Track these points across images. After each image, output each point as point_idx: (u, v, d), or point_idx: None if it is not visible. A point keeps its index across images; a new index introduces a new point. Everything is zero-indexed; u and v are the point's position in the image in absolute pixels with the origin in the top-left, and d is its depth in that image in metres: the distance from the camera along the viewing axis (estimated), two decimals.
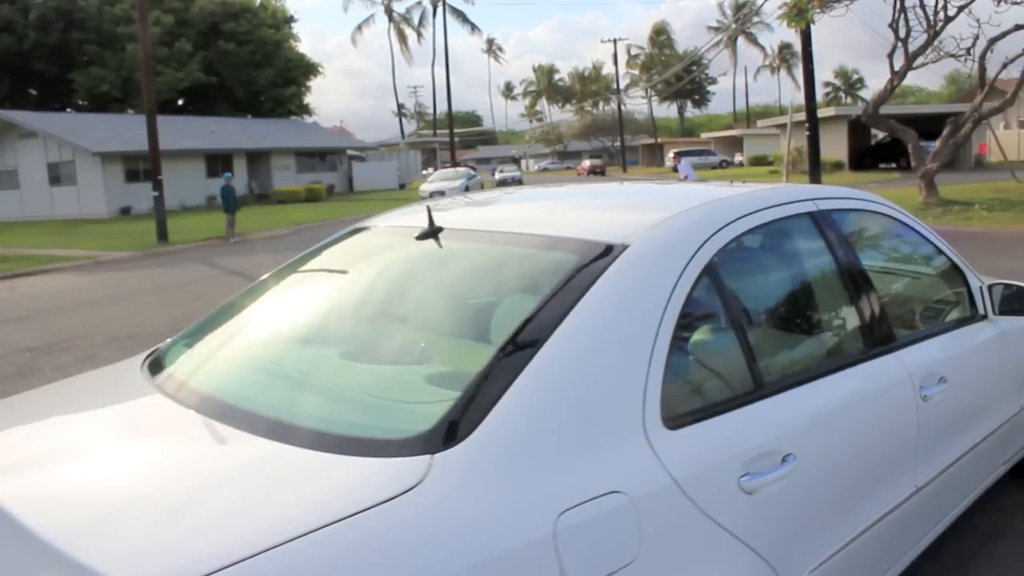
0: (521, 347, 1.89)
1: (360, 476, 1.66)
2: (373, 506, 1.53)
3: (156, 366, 2.63)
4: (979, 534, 3.66)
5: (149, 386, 2.43)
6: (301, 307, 2.87)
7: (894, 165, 39.17)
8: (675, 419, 1.98)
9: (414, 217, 2.94)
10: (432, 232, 2.54)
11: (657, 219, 2.31)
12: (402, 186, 53.77)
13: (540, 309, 2.00)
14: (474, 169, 48.93)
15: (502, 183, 56.37)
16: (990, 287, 3.49)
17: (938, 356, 3.05)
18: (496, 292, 2.47)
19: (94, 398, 2.56)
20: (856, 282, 2.83)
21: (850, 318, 2.78)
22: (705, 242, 2.26)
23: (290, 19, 64.09)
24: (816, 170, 24.48)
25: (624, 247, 2.15)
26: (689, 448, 1.97)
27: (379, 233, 3.09)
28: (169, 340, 2.96)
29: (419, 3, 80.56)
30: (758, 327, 2.61)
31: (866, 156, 41.40)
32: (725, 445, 2.07)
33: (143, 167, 34.35)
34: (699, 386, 2.24)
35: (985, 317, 3.43)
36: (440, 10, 72.48)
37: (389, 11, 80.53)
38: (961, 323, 3.37)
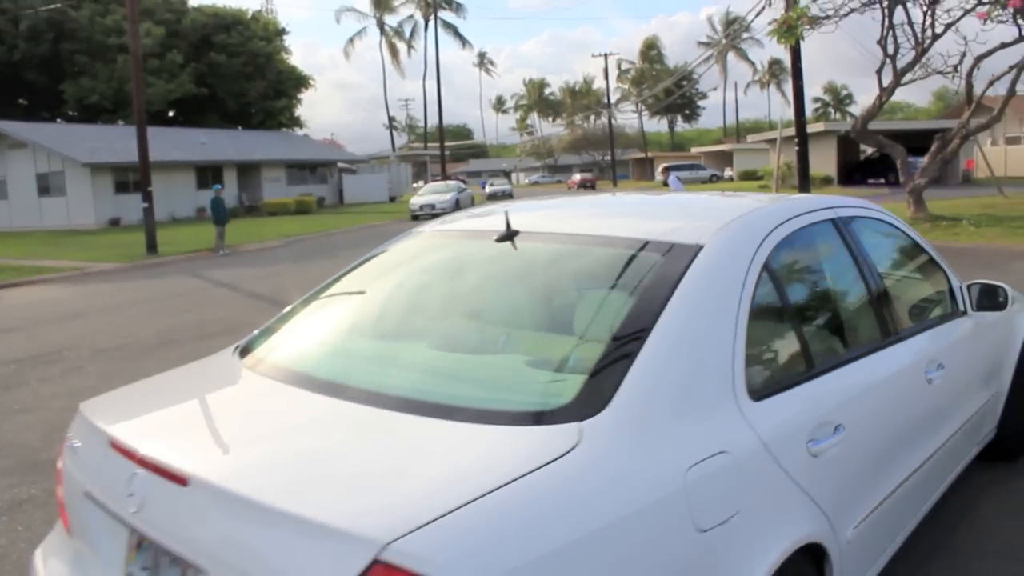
0: (633, 333, 2.20)
1: (523, 443, 1.94)
2: (545, 464, 1.81)
3: (246, 353, 2.98)
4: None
5: (254, 375, 2.71)
6: (398, 301, 3.12)
7: (883, 180, 39.36)
8: (755, 392, 2.31)
9: (479, 221, 3.45)
10: (510, 235, 2.79)
11: (720, 224, 2.64)
12: (392, 199, 53.77)
13: (641, 300, 2.32)
14: (464, 182, 48.91)
15: (492, 196, 56.40)
16: (968, 286, 4.03)
17: (936, 346, 3.52)
18: (583, 288, 2.75)
19: (222, 386, 2.80)
20: (873, 279, 3.27)
21: (871, 310, 3.20)
22: (761, 243, 2.62)
23: (281, 31, 64.20)
24: (805, 185, 24.59)
25: (699, 247, 2.47)
26: (769, 417, 2.31)
27: (450, 236, 3.42)
28: (256, 335, 3.23)
29: (411, 17, 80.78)
30: (806, 316, 2.96)
31: (855, 171, 41.60)
32: (795, 415, 2.43)
33: (133, 178, 34.25)
34: (769, 364, 2.58)
35: (965, 313, 3.94)
36: (432, 24, 72.68)
37: (381, 24, 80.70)
38: (948, 317, 3.84)
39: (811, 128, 32.67)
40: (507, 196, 56.56)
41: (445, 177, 57.91)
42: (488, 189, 60.62)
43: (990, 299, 3.95)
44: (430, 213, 34.99)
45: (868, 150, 40.44)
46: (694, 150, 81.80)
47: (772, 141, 38.57)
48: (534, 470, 1.78)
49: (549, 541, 1.69)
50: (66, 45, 50.36)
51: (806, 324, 2.89)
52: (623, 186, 67.62)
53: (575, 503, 1.78)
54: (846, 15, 17.79)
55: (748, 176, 57.78)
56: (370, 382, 2.43)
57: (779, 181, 22.56)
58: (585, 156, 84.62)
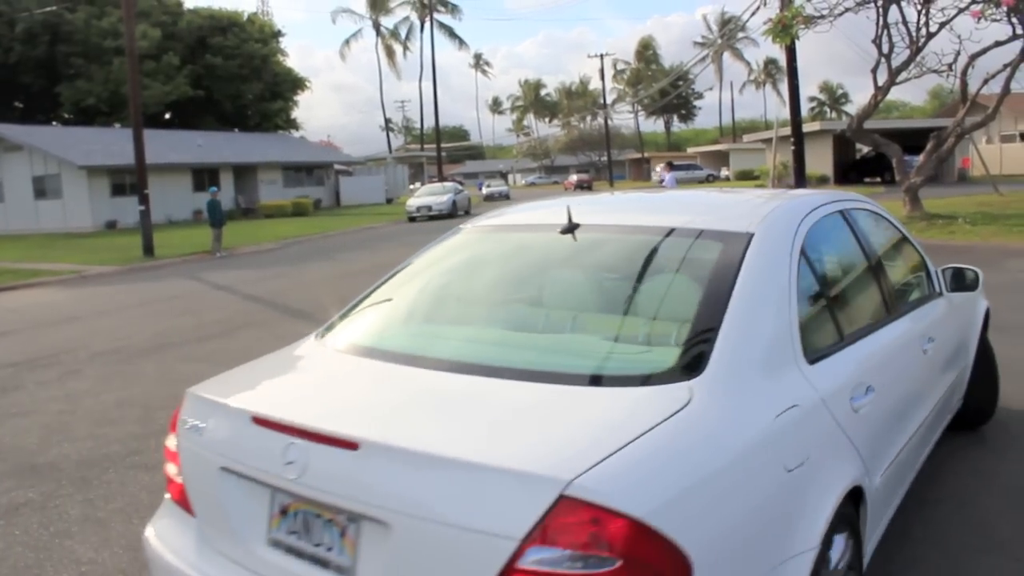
0: (711, 309, 2.55)
1: (648, 399, 2.27)
2: (672, 415, 2.15)
3: (329, 339, 3.29)
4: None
5: (349, 355, 3.03)
6: (485, 288, 3.47)
7: (879, 179, 39.46)
8: (809, 356, 2.69)
9: (531, 215, 3.84)
10: (571, 228, 3.14)
11: (761, 216, 3.00)
12: (389, 200, 53.76)
13: (712, 281, 2.68)
14: (461, 184, 48.92)
15: (489, 198, 56.47)
16: (943, 270, 4.52)
17: (925, 322, 3.97)
18: (650, 273, 3.05)
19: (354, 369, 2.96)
20: (878, 262, 3.73)
21: (879, 289, 3.62)
22: (796, 231, 3.00)
23: (277, 33, 64.15)
24: (802, 184, 24.61)
25: (750, 235, 2.83)
26: (823, 377, 2.69)
27: (510, 230, 3.80)
28: (336, 322, 3.51)
29: (407, 19, 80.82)
30: (834, 293, 3.36)
31: (851, 170, 41.70)
32: (840, 376, 2.84)
33: (129, 181, 34.24)
34: (815, 333, 2.88)
35: (941, 294, 4.40)
36: (428, 25, 72.71)
37: (377, 26, 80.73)
38: (930, 298, 4.28)
39: (807, 127, 32.74)
40: (504, 197, 56.59)
41: (442, 179, 57.93)
42: (484, 191, 60.62)
43: (961, 281, 4.53)
44: (427, 215, 34.97)
45: (864, 149, 40.53)
46: (690, 150, 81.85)
47: (768, 141, 38.63)
48: (665, 419, 2.13)
49: (689, 473, 2.05)
50: (62, 47, 50.30)
51: (835, 300, 3.30)
52: (620, 186, 67.64)
53: (702, 443, 2.15)
54: (841, 14, 17.82)
55: (744, 176, 57.82)
56: (487, 358, 2.74)
57: (775, 180, 22.57)
58: (581, 157, 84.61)
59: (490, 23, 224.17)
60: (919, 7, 17.72)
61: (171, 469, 2.82)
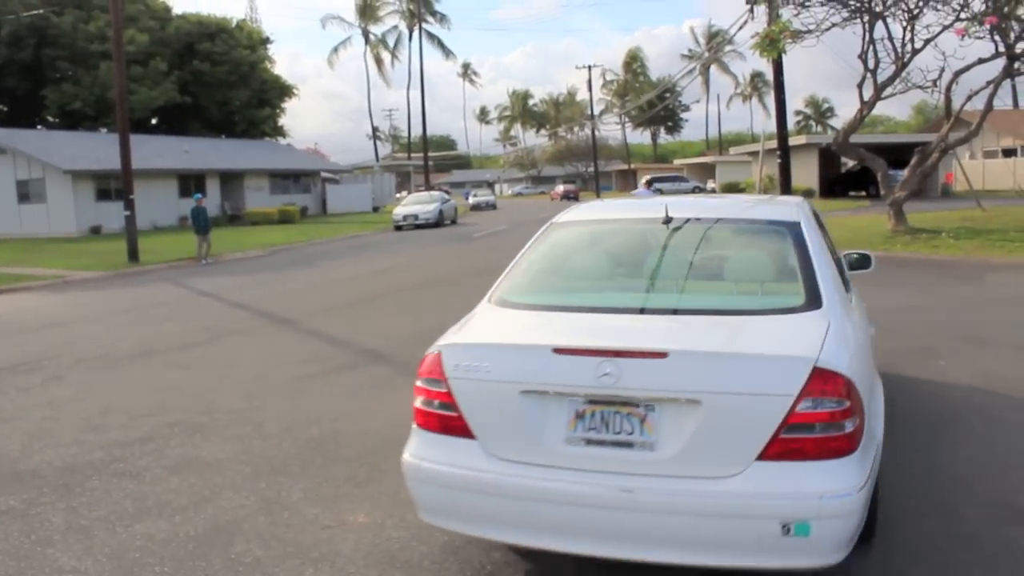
0: (805, 268, 3.82)
1: (810, 318, 3.50)
2: (828, 327, 3.38)
3: (505, 304, 4.11)
4: None
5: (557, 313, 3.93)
6: (628, 263, 4.54)
7: (863, 193, 39.72)
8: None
9: (623, 211, 5.34)
10: (668, 219, 4.27)
11: (795, 210, 4.35)
12: (376, 209, 53.67)
13: (796, 251, 3.95)
14: (448, 193, 48.90)
15: (476, 207, 56.45)
16: (846, 255, 5.76)
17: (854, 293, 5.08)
18: (741, 248, 4.37)
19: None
20: (832, 245, 4.80)
21: (840, 263, 4.80)
22: (813, 220, 4.37)
23: (266, 40, 64.01)
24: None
25: (798, 223, 4.15)
26: (858, 314, 4.26)
27: (617, 223, 4.94)
28: (505, 287, 4.25)
29: (395, 27, 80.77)
30: (836, 261, 4.47)
31: (836, 184, 41.96)
32: (863, 314, 4.47)
33: (115, 186, 34.02)
34: (841, 279, 4.24)
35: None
36: (416, 34, 72.73)
37: (366, 34, 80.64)
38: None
39: (793, 141, 32.92)
40: (490, 207, 56.59)
41: (429, 187, 57.87)
42: (471, 200, 60.61)
43: (861, 262, 5.96)
44: (413, 224, 34.94)
45: (849, 163, 40.80)
46: (677, 162, 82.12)
47: (754, 153, 38.84)
48: (827, 328, 3.37)
49: (851, 353, 3.35)
50: (48, 51, 50.02)
51: (836, 261, 4.51)
52: (606, 197, 67.74)
53: (847, 336, 3.49)
54: (828, 29, 17.95)
55: (731, 188, 58.02)
56: (670, 304, 3.90)
57: (761, 193, 22.66)
58: (568, 167, 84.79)
59: (479, 33, 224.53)
60: (904, 24, 17.89)
61: (428, 407, 3.58)
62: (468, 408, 3.44)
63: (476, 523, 3.47)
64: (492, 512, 3.40)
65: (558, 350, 3.30)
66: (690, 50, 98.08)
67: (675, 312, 3.75)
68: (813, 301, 3.60)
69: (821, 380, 3.04)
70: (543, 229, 4.68)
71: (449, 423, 3.49)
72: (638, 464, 3.18)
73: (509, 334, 3.78)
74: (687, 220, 4.35)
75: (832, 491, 3.00)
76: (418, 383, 3.67)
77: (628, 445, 3.20)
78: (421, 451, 3.57)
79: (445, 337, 3.79)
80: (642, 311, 3.77)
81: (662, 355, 3.15)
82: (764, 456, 3.06)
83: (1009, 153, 42.88)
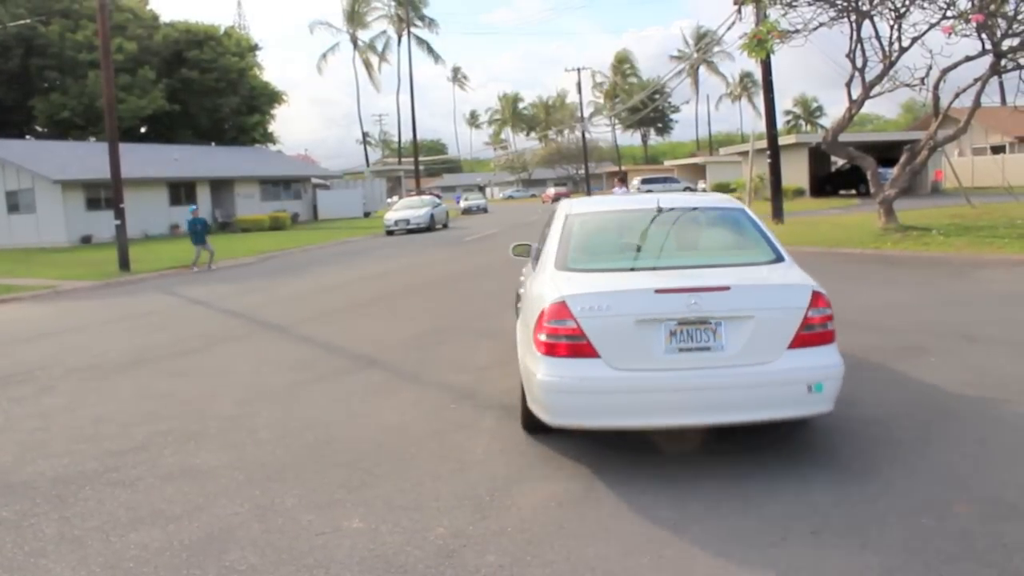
0: (766, 237, 5.68)
1: (781, 266, 5.36)
2: (794, 269, 5.33)
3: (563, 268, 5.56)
4: None
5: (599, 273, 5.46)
6: (626, 230, 6.20)
7: (853, 191, 39.85)
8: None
9: (624, 201, 7.91)
10: (661, 209, 5.95)
11: (736, 202, 6.34)
12: (367, 214, 53.62)
13: (755, 227, 5.79)
14: (439, 197, 48.86)
15: (467, 211, 56.43)
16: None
17: None
18: (718, 226, 6.19)
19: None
20: None
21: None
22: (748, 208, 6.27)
23: (254, 47, 63.98)
24: (778, 196, 24.83)
25: (744, 208, 6.10)
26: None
27: (622, 212, 6.72)
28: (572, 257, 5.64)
29: (384, 32, 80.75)
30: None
31: (827, 183, 42.09)
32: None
33: (105, 195, 33.94)
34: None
35: None
36: (405, 39, 72.75)
37: (354, 39, 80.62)
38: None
39: (783, 140, 33.03)
40: (482, 211, 56.56)
41: (420, 192, 57.84)
42: (463, 204, 60.60)
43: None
44: (405, 228, 34.90)
45: (839, 162, 40.91)
46: (667, 163, 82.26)
47: (745, 154, 38.92)
48: (798, 270, 5.27)
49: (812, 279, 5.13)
50: (36, 61, 49.88)
51: None
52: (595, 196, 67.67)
53: (804, 274, 5.21)
54: (815, 29, 18.01)
55: (722, 188, 58.12)
56: (694, 261, 5.62)
57: (752, 193, 22.72)
58: (559, 170, 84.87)
59: (468, 37, 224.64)
60: (892, 22, 17.96)
61: (556, 337, 4.90)
62: (595, 336, 4.85)
63: (599, 417, 4.94)
64: (613, 407, 4.90)
65: (659, 291, 4.89)
66: (679, 51, 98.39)
67: (703, 267, 5.48)
68: (779, 257, 5.49)
69: (816, 298, 4.93)
70: (563, 218, 6.07)
71: (578, 349, 4.87)
72: (713, 360, 4.84)
73: (610, 285, 5.15)
74: (672, 208, 6.04)
75: (831, 364, 4.93)
76: (546, 324, 4.95)
77: (707, 349, 4.86)
78: (554, 371, 4.90)
79: (558, 291, 5.02)
80: (676, 267, 5.39)
81: (726, 288, 4.90)
82: (791, 346, 4.86)
83: (998, 150, 43.08)
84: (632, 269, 5.41)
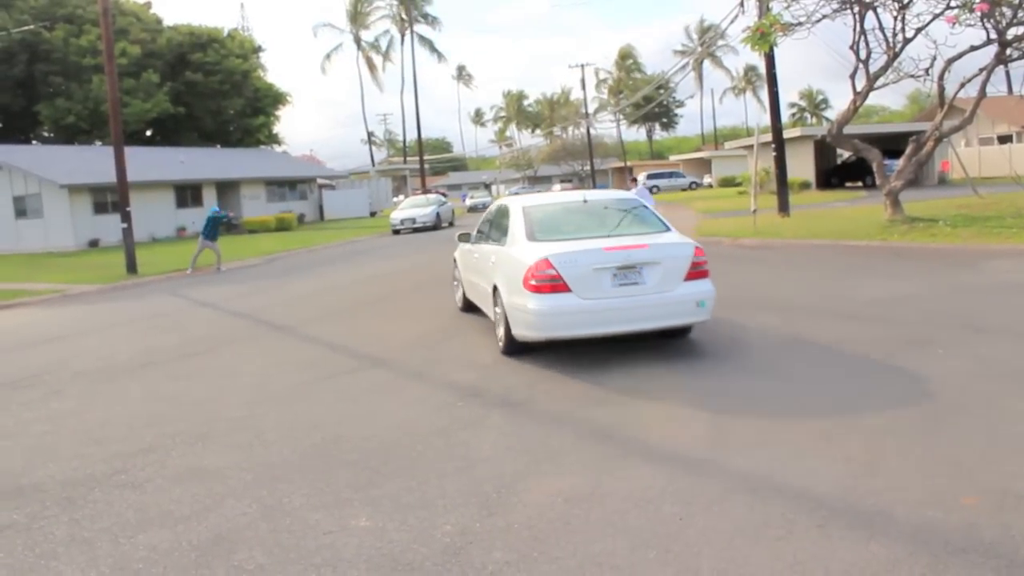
0: (658, 218, 8.73)
1: (673, 234, 8.34)
2: (681, 235, 8.40)
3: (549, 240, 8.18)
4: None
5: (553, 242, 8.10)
6: (567, 213, 8.97)
7: (860, 183, 39.72)
8: None
9: (561, 195, 10.01)
10: (586, 201, 9.18)
11: (631, 193, 11.86)
12: (373, 214, 53.68)
13: (649, 213, 8.84)
14: (445, 196, 48.90)
15: (473, 209, 56.42)
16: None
17: None
18: (621, 207, 9.11)
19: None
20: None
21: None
22: (643, 200, 9.66)
23: (258, 49, 64.08)
24: (783, 190, 24.77)
25: (642, 201, 9.36)
26: None
27: (561, 203, 9.37)
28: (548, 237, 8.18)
29: (387, 32, 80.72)
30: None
31: (832, 175, 41.94)
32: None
33: (111, 199, 34.07)
34: None
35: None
36: (408, 38, 72.74)
37: (357, 40, 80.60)
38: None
39: (788, 133, 32.93)
40: (487, 208, 56.51)
41: (425, 191, 57.83)
42: (468, 202, 60.60)
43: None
44: (411, 227, 34.93)
45: (845, 154, 40.77)
46: (673, 158, 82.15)
47: (750, 147, 38.79)
48: (677, 234, 8.36)
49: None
50: (41, 66, 50.05)
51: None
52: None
53: (686, 237, 8.25)
54: (818, 21, 17.94)
55: (727, 182, 58.11)
56: (613, 232, 8.25)
57: (757, 187, 22.65)
58: (565, 166, 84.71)
59: (472, 35, 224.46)
60: (895, 13, 17.88)
61: (543, 281, 7.46)
62: (568, 279, 7.52)
63: (571, 329, 7.65)
64: (580, 322, 7.59)
65: (606, 248, 7.66)
66: (683, 45, 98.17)
67: (625, 234, 8.21)
68: (668, 228, 8.44)
69: (697, 250, 7.81)
70: (520, 210, 8.78)
71: (557, 287, 7.51)
72: (640, 290, 7.59)
73: (574, 248, 7.78)
74: (592, 201, 9.25)
75: (708, 290, 7.82)
76: (535, 273, 7.55)
77: (636, 283, 7.61)
78: (543, 302, 7.51)
79: (539, 250, 7.76)
80: (608, 236, 8.13)
81: (646, 246, 7.77)
82: (685, 279, 7.70)
83: (1004, 139, 42.89)
84: (578, 238, 8.04)
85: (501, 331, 8.40)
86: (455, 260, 11.72)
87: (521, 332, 7.85)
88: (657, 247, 7.79)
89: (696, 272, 7.74)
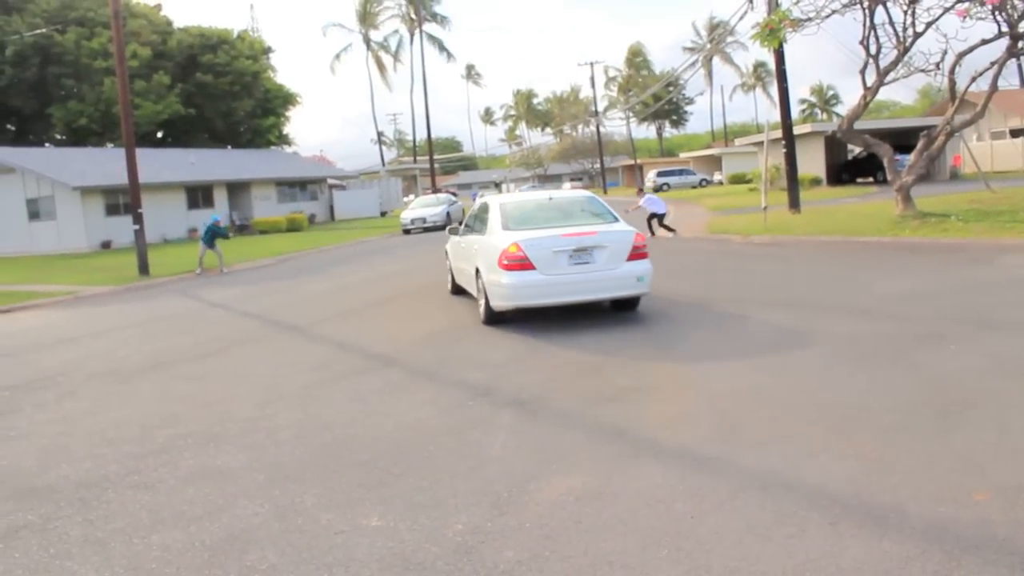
0: (609, 210, 10.76)
1: (621, 224, 10.20)
2: (628, 226, 10.27)
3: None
4: None
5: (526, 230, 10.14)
6: (535, 208, 10.96)
7: (871, 179, 39.53)
8: None
9: (531, 194, 12.66)
10: (551, 196, 11.52)
11: (584, 192, 12.16)
12: (383, 214, 53.75)
13: (601, 206, 10.90)
14: (455, 195, 48.90)
15: None
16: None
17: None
18: (579, 203, 11.15)
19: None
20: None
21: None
22: (596, 196, 11.74)
23: (268, 50, 64.23)
24: (794, 186, 24.68)
25: (591, 195, 11.63)
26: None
27: (532, 199, 11.71)
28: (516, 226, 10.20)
29: (396, 32, 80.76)
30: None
31: (843, 171, 41.76)
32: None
33: (123, 200, 34.21)
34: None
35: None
36: (418, 38, 72.78)
37: (367, 40, 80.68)
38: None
39: (798, 129, 32.78)
40: None
41: (435, 190, 57.87)
42: (479, 201, 60.57)
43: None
44: (421, 227, 34.97)
45: (855, 150, 40.59)
46: (683, 155, 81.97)
47: (760, 144, 38.66)
48: (624, 224, 10.23)
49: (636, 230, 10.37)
50: (53, 69, 50.31)
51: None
52: (613, 193, 67.77)
53: (630, 227, 10.22)
54: (828, 16, 17.87)
55: (738, 179, 57.95)
56: (571, 224, 10.13)
57: (768, 183, 22.58)
58: (574, 164, 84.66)
59: (481, 34, 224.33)
60: (905, 7, 17.79)
61: (513, 261, 9.45)
62: (533, 259, 9.39)
63: (535, 299, 9.57)
64: (543, 293, 9.50)
65: (564, 235, 9.60)
66: (693, 42, 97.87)
67: (581, 224, 10.02)
68: (617, 220, 10.21)
69: (638, 236, 9.89)
70: (498, 206, 10.79)
71: (525, 265, 9.39)
72: (591, 268, 9.54)
73: (538, 235, 9.67)
74: (556, 198, 11.28)
75: (647, 268, 9.79)
76: (507, 254, 9.46)
77: (587, 263, 9.55)
78: (514, 277, 9.43)
79: (511, 237, 9.68)
80: (567, 226, 9.92)
81: (596, 233, 9.75)
82: (627, 260, 9.66)
83: (1017, 133, 42.56)
84: (543, 228, 9.94)
85: (482, 304, 10.39)
86: (446, 252, 14.03)
87: (497, 303, 9.89)
88: (604, 234, 9.76)
89: (636, 254, 9.70)
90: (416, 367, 8.44)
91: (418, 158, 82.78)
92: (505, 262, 9.47)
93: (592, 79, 75.13)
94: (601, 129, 76.66)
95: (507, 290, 9.51)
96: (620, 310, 10.47)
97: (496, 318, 10.10)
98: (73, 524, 4.79)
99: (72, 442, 6.56)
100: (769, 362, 7.45)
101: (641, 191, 24.98)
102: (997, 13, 16.88)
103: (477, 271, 10.56)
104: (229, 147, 58.18)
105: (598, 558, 3.84)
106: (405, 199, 60.25)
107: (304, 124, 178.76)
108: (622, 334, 9.22)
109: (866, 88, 19.12)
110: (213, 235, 22.63)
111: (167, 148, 51.74)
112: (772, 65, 29.59)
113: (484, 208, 11.41)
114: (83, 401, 8.07)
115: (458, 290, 12.97)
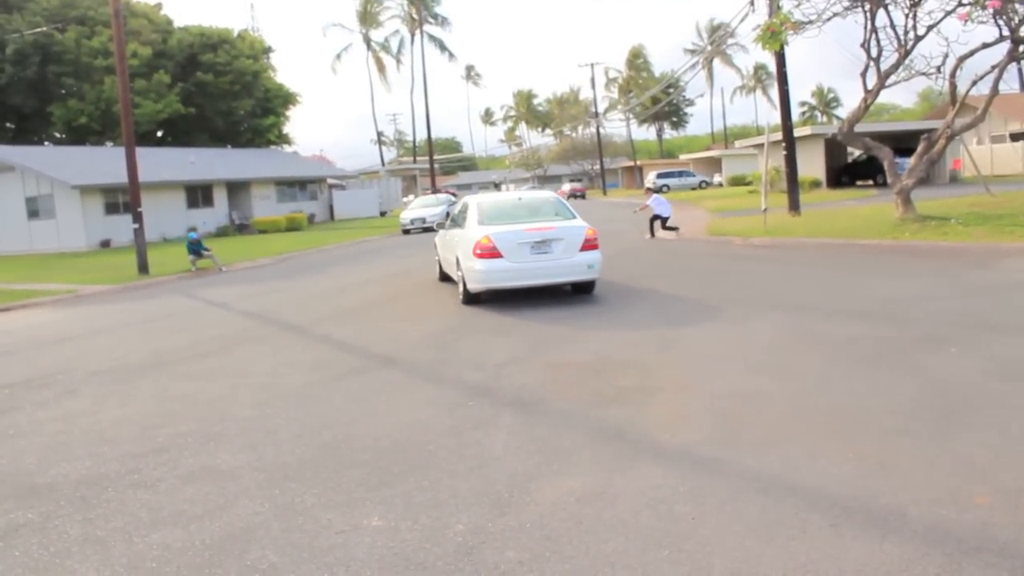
0: (569, 209, 12.89)
1: (578, 221, 12.19)
2: (584, 223, 12.20)
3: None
4: None
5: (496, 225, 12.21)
6: (507, 207, 13.16)
7: (871, 182, 39.52)
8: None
9: (505, 195, 15.98)
10: (522, 196, 15.19)
11: (553, 193, 14.53)
12: (383, 214, 53.74)
13: (561, 206, 13.04)
14: (455, 195, 48.86)
15: None
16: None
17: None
18: (547, 204, 13.20)
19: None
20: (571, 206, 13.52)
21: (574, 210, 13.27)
22: (560, 197, 14.12)
23: (268, 50, 64.24)
24: (794, 188, 24.68)
25: (557, 196, 13.96)
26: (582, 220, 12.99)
27: (507, 198, 14.64)
28: (490, 222, 12.21)
29: (396, 32, 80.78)
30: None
31: (843, 174, 41.75)
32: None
33: (123, 199, 34.24)
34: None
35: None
36: (418, 38, 72.82)
37: (367, 40, 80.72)
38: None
39: (798, 132, 32.79)
40: None
41: (435, 190, 57.86)
42: (462, 200, 60.43)
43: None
44: (421, 227, 34.95)
45: (855, 152, 40.59)
46: (683, 157, 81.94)
47: (760, 146, 38.67)
48: (580, 220, 12.28)
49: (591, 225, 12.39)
50: (53, 68, 50.30)
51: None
52: (613, 194, 67.73)
53: (584, 222, 12.18)
54: (829, 19, 17.87)
55: (737, 181, 57.94)
56: (537, 220, 12.22)
57: (768, 186, 22.57)
58: (574, 165, 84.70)
59: (481, 34, 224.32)
60: (906, 10, 17.80)
61: (485, 251, 11.38)
62: (501, 249, 11.37)
63: (503, 282, 11.57)
64: (509, 277, 11.49)
65: (527, 229, 11.64)
66: (694, 44, 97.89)
67: (544, 220, 12.12)
68: (575, 218, 12.27)
69: (590, 231, 11.73)
70: (476, 205, 12.83)
71: (494, 254, 11.37)
72: (550, 257, 11.51)
73: (506, 229, 11.60)
74: (527, 198, 14.25)
75: (597, 257, 11.73)
76: (480, 245, 11.39)
77: (547, 252, 11.51)
78: (485, 263, 11.39)
79: (484, 231, 11.58)
80: (531, 222, 11.97)
81: (554, 228, 11.72)
82: (580, 250, 11.58)
83: (1017, 137, 42.58)
84: (511, 223, 11.81)
85: (461, 287, 12.23)
86: (435, 245, 16.01)
87: (472, 286, 11.72)
88: (561, 228, 11.68)
89: (588, 245, 11.60)
90: (416, 367, 8.43)
91: (418, 158, 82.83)
92: (478, 251, 11.40)
93: (592, 80, 75.29)
94: (601, 130, 76.74)
95: (480, 275, 11.47)
96: (579, 293, 12.47)
97: (472, 299, 11.96)
98: (73, 523, 4.79)
99: (72, 440, 6.55)
100: (769, 364, 7.45)
101: (649, 190, 25.03)
102: (998, 17, 16.88)
103: (458, 260, 12.26)
104: (229, 146, 58.17)
105: (599, 559, 3.83)
106: (405, 199, 60.26)
107: (304, 124, 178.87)
108: (622, 334, 9.23)
109: (867, 91, 19.12)
110: (195, 249, 22.93)
111: (167, 147, 51.77)
112: (773, 67, 29.64)
113: (465, 206, 13.41)
114: (83, 400, 8.06)
115: (444, 277, 14.76)
